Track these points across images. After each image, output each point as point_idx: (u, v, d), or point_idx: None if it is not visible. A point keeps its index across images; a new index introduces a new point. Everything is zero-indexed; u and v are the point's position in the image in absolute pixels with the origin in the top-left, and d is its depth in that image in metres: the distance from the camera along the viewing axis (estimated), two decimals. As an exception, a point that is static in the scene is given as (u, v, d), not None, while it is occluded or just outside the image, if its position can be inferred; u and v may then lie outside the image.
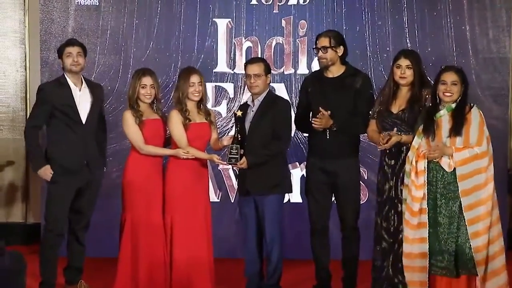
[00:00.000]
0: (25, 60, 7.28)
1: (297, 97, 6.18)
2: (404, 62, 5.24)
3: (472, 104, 5.05)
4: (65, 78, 5.59)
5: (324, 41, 5.46)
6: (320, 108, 5.30)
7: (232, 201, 6.87)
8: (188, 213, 5.43)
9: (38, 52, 7.00)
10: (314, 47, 5.60)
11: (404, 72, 5.23)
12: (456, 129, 4.94)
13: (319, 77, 5.61)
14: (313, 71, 6.42)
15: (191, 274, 5.43)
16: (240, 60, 6.85)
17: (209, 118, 5.55)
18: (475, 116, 4.97)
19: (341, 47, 5.49)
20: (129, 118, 5.45)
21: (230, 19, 6.91)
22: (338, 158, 5.44)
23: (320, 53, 5.48)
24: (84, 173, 5.56)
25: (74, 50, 5.56)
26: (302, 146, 6.73)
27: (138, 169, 5.46)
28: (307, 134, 5.80)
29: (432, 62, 6.57)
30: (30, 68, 7.25)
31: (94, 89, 5.72)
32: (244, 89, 6.76)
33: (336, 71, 5.53)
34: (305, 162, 5.83)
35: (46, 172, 5.50)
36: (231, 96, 6.95)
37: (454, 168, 4.93)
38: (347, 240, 5.59)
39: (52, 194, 5.57)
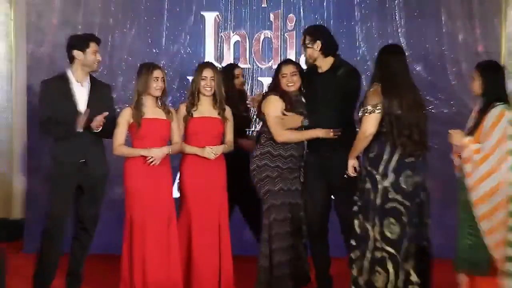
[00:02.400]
0: (11, 53, 7.19)
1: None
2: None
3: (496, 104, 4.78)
4: (67, 74, 5.32)
5: (302, 39, 5.37)
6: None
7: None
8: (204, 210, 5.32)
9: (24, 45, 6.93)
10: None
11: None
12: (473, 128, 4.80)
13: (313, 72, 5.44)
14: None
15: (211, 272, 5.31)
16: (228, 54, 6.78)
17: (222, 113, 5.43)
18: (491, 116, 4.73)
19: (318, 41, 5.31)
20: (122, 116, 5.28)
21: (218, 13, 6.84)
22: (336, 153, 5.20)
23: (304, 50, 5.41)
24: (83, 169, 5.31)
25: (98, 48, 5.35)
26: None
27: (136, 170, 5.26)
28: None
29: (425, 66, 6.57)
30: (16, 61, 7.16)
31: (100, 88, 5.46)
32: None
33: (324, 65, 5.36)
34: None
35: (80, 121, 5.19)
36: (219, 90, 6.87)
37: None
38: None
39: (53, 190, 5.32)
